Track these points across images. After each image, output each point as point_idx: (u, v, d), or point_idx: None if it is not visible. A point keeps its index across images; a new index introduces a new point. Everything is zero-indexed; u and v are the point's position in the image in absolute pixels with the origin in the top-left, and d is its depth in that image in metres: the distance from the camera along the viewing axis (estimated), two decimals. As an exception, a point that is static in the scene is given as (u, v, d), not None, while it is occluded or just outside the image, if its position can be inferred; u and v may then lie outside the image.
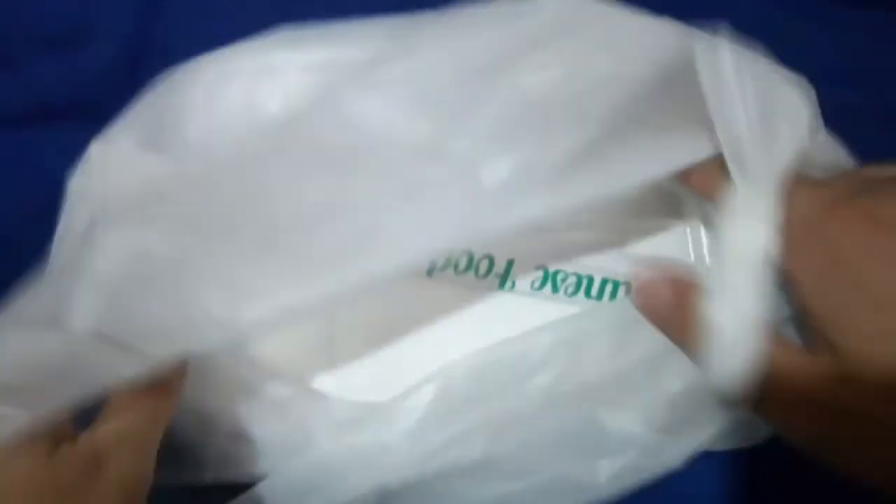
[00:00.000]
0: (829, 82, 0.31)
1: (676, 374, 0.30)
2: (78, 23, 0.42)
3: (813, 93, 0.27)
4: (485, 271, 0.33)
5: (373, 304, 0.33)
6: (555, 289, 0.33)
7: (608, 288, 0.33)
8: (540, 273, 0.33)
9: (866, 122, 0.34)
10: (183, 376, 0.27)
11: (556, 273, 0.33)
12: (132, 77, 0.40)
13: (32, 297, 0.25)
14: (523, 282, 0.33)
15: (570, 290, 0.33)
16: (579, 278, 0.33)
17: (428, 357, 0.32)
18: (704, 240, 0.33)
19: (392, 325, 0.33)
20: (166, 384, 0.25)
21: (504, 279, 0.33)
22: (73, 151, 0.42)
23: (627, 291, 0.32)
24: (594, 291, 0.33)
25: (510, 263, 0.33)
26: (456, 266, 0.33)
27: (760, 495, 0.34)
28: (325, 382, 0.32)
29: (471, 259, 0.33)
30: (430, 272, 0.33)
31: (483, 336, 0.32)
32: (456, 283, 0.33)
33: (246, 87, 0.31)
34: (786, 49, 0.33)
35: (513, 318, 0.33)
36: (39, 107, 0.42)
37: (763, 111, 0.24)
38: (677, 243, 0.33)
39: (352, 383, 0.32)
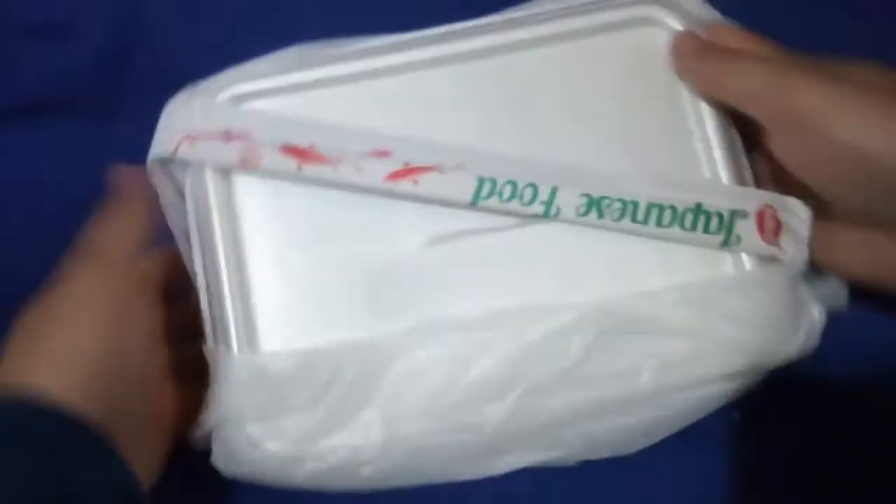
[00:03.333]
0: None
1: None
2: (62, 16, 0.41)
3: None
4: (529, 199, 0.33)
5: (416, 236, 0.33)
6: (600, 215, 0.33)
7: (654, 213, 0.33)
8: (585, 199, 0.33)
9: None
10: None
11: (601, 199, 0.33)
12: (117, 71, 0.40)
13: None
14: (568, 209, 0.33)
15: (616, 215, 0.33)
16: (624, 203, 0.33)
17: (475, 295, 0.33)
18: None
19: (439, 258, 0.33)
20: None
21: (549, 206, 0.33)
22: (59, 146, 0.41)
23: (673, 218, 0.33)
24: (640, 216, 0.33)
25: (554, 190, 0.33)
26: (500, 194, 0.33)
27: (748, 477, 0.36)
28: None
29: (514, 187, 0.33)
30: (473, 202, 0.33)
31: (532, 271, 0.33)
32: (501, 211, 0.33)
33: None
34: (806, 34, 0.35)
35: (560, 249, 0.33)
36: (25, 102, 0.41)
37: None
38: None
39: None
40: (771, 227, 0.32)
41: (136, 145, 0.36)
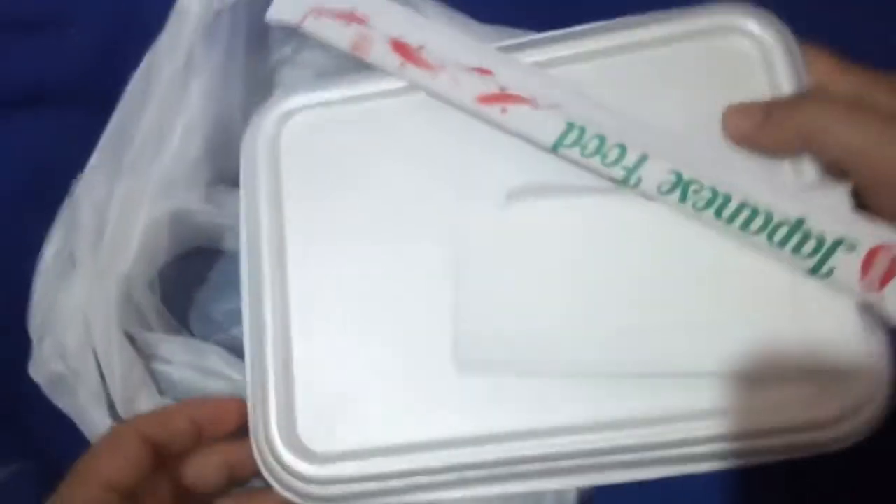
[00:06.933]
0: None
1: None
2: (57, 6, 0.41)
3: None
4: (613, 159, 0.30)
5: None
6: (683, 198, 0.29)
7: (744, 214, 0.28)
8: (672, 177, 0.29)
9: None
10: None
11: (690, 182, 0.29)
12: (114, 61, 0.39)
13: None
14: (650, 182, 0.30)
15: (701, 204, 0.29)
16: (714, 194, 0.29)
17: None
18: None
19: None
20: None
21: (631, 173, 0.30)
22: (57, 137, 0.41)
23: (764, 226, 0.28)
24: (726, 213, 0.29)
25: (643, 158, 0.30)
26: (584, 147, 0.30)
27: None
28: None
29: (602, 142, 0.30)
30: (555, 146, 0.31)
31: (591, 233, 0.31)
32: (579, 163, 0.31)
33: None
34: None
35: (626, 218, 0.30)
36: (23, 93, 0.42)
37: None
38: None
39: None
40: (881, 270, 0.27)
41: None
